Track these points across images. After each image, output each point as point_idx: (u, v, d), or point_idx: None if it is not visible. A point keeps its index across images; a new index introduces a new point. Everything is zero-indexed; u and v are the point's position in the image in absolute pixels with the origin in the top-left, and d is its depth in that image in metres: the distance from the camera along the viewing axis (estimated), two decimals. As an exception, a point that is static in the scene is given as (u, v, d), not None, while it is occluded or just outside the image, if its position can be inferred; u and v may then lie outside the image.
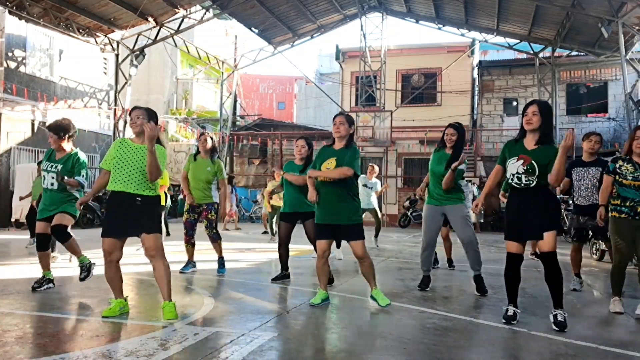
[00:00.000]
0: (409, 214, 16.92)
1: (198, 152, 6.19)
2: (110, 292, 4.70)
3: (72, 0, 14.03)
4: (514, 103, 20.07)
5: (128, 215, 3.76)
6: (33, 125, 14.96)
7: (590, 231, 5.44)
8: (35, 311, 4.03)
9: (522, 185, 3.83)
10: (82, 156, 5.00)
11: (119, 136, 16.86)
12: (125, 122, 17.08)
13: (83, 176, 4.93)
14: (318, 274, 4.48)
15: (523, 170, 3.79)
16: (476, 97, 20.63)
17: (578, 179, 5.37)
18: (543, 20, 16.24)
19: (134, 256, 6.97)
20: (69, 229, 4.86)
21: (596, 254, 8.33)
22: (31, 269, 6.19)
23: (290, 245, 5.69)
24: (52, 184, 4.83)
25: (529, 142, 3.87)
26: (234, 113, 22.78)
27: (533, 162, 3.76)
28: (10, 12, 13.64)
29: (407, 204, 17.11)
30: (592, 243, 8.38)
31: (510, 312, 3.89)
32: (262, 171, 21.67)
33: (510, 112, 19.98)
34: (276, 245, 5.74)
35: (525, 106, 3.92)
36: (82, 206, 4.44)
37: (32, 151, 14.91)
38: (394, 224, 17.92)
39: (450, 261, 7.06)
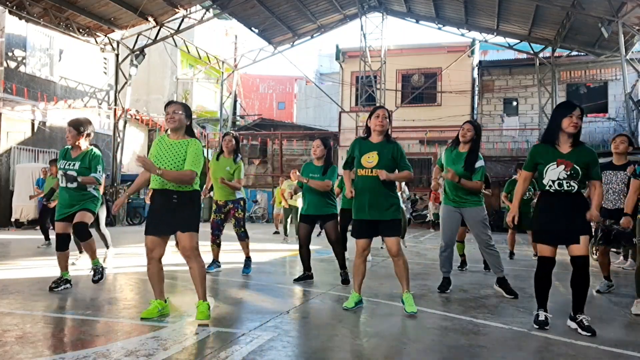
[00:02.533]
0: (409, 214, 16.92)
1: (222, 151, 6.15)
2: (112, 292, 4.71)
3: (72, 0, 14.04)
4: (514, 103, 20.07)
5: (166, 213, 3.74)
6: (33, 125, 14.96)
7: (615, 235, 5.22)
8: (35, 311, 4.03)
9: (563, 190, 3.68)
10: (98, 152, 4.97)
11: (119, 136, 16.87)
12: (126, 122, 17.10)
13: (100, 172, 4.91)
14: (354, 274, 4.34)
15: (566, 175, 3.65)
16: (476, 97, 20.63)
17: (606, 182, 5.22)
18: (543, 20, 16.24)
19: (135, 256, 6.97)
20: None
21: (596, 254, 8.32)
22: (31, 269, 6.19)
23: (288, 246, 5.68)
24: (71, 182, 4.79)
25: (564, 146, 3.72)
26: (234, 113, 22.80)
27: (575, 166, 3.63)
28: (10, 12, 13.65)
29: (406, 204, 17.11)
30: (591, 243, 8.36)
31: (542, 317, 3.77)
32: (262, 171, 21.67)
33: (510, 112, 19.99)
34: (279, 246, 5.73)
35: (564, 108, 3.72)
36: (119, 207, 4.32)
37: (32, 151, 14.91)
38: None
39: (465, 263, 7.01)
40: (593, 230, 5.33)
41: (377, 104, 18.99)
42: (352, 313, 4.26)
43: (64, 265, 4.85)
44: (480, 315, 4.17)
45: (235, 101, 22.67)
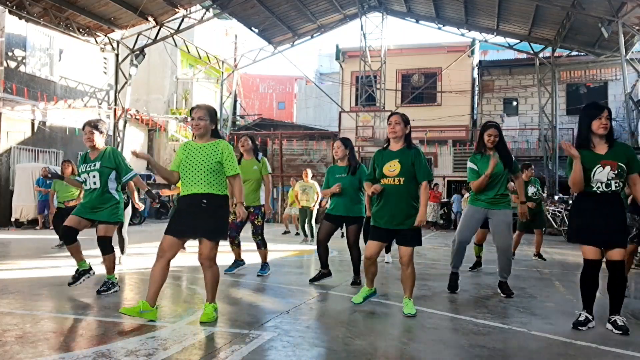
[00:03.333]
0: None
1: (242, 155, 6.08)
2: (114, 292, 4.70)
3: (72, 0, 14.04)
4: (514, 103, 20.08)
5: (192, 217, 3.70)
6: (33, 125, 14.95)
7: None
8: (35, 311, 4.03)
9: (611, 191, 3.70)
10: (116, 150, 4.93)
11: (119, 136, 16.87)
12: (126, 122, 17.10)
13: (131, 169, 4.90)
14: (365, 272, 4.38)
15: (614, 175, 3.67)
16: (476, 97, 20.64)
17: None
18: (543, 20, 16.24)
19: (136, 256, 6.96)
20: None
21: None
22: (31, 269, 6.19)
23: (288, 247, 5.68)
24: (94, 183, 4.69)
25: (600, 148, 3.74)
26: (234, 113, 22.79)
27: (620, 164, 3.67)
28: (10, 12, 13.64)
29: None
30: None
31: (582, 318, 3.77)
32: (262, 171, 21.65)
33: (510, 112, 20.00)
34: (278, 246, 5.73)
35: (591, 110, 3.74)
36: (158, 200, 4.22)
37: (32, 151, 14.91)
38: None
39: (479, 264, 6.97)
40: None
41: (377, 104, 19.01)
42: (351, 313, 4.26)
43: (78, 257, 4.74)
44: (480, 316, 4.17)
45: (235, 101, 22.66)
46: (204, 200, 3.69)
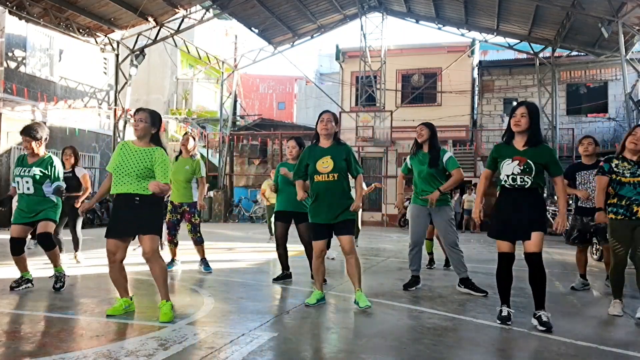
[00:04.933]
0: (409, 214, 16.90)
1: (180, 152, 6.26)
2: (112, 292, 4.71)
3: (72, 0, 14.04)
4: (514, 103, 20.04)
5: (127, 216, 3.80)
6: (33, 125, 14.94)
7: (593, 233, 5.39)
8: (35, 311, 4.03)
9: (517, 185, 3.83)
10: (55, 159, 4.93)
11: (119, 136, 16.88)
12: (126, 122, 17.10)
13: (61, 180, 4.96)
14: (314, 274, 4.48)
15: (519, 171, 3.79)
16: (476, 97, 20.63)
17: (583, 182, 5.36)
18: (543, 20, 16.24)
19: (132, 256, 6.96)
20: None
21: (596, 254, 8.32)
22: (31, 269, 6.18)
23: (289, 246, 5.68)
24: (28, 189, 4.77)
25: (519, 144, 3.88)
26: (234, 113, 22.78)
27: (529, 161, 3.77)
28: (10, 12, 13.64)
29: (407, 204, 17.10)
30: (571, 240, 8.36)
31: (505, 313, 3.89)
32: (262, 171, 21.68)
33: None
34: (274, 245, 5.73)
35: (514, 108, 3.91)
36: (85, 212, 4.41)
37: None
38: (393, 224, 17.91)
39: (448, 261, 6.96)
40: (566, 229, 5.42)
41: (377, 104, 19.01)
42: (350, 313, 4.26)
43: (22, 267, 4.86)
44: (480, 316, 4.18)
45: (235, 101, 22.64)
46: (137, 199, 3.78)
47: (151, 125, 3.88)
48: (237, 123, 24.02)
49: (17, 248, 4.79)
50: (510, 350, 3.31)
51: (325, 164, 4.28)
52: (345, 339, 3.45)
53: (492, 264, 7.17)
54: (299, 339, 3.44)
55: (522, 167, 3.79)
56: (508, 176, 3.84)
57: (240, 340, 3.26)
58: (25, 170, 4.76)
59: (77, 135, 15.46)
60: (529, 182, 3.80)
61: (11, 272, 5.95)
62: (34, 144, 4.74)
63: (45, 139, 4.86)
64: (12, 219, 4.98)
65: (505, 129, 4.07)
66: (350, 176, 4.45)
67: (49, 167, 4.81)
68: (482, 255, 8.89)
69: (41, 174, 4.76)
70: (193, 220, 6.12)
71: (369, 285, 5.23)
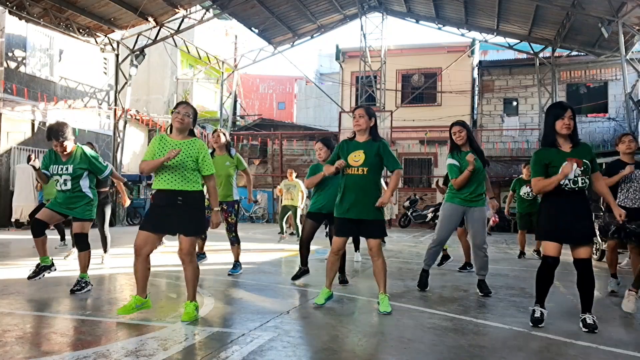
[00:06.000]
0: (409, 214, 16.92)
1: (214, 150, 6.09)
2: (115, 292, 4.70)
3: (72, 0, 14.04)
4: (514, 103, 20.07)
5: (169, 213, 3.73)
6: (33, 125, 14.95)
7: (630, 234, 5.03)
8: (35, 311, 4.03)
9: (577, 188, 3.75)
10: (85, 147, 4.91)
11: (119, 136, 16.87)
12: (126, 122, 17.10)
13: (106, 164, 5.00)
14: (327, 270, 4.40)
15: (580, 172, 3.73)
16: (476, 97, 20.64)
17: (628, 180, 5.08)
18: (543, 20, 16.25)
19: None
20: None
21: (596, 254, 8.32)
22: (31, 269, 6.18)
23: (286, 246, 5.68)
24: (65, 184, 4.71)
25: (565, 146, 3.82)
26: (234, 113, 22.79)
27: (585, 161, 3.74)
28: (10, 12, 13.63)
29: (407, 204, 17.11)
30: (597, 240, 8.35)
31: (538, 314, 3.84)
32: (262, 171, 21.67)
33: (510, 112, 19.99)
34: (279, 246, 5.73)
35: (559, 110, 3.79)
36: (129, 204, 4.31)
37: (32, 151, 14.90)
38: (394, 224, 17.91)
39: (469, 265, 6.78)
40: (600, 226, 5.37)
41: (377, 104, 19.00)
42: (351, 313, 4.26)
43: (42, 250, 4.74)
44: (480, 315, 4.17)
45: (235, 101, 22.65)
46: (180, 198, 3.73)
47: (193, 120, 3.91)
48: (237, 123, 24.03)
49: (38, 230, 4.69)
50: (511, 350, 3.31)
51: (356, 157, 4.21)
52: (346, 339, 3.45)
53: (499, 264, 7.20)
54: (299, 339, 3.43)
55: (582, 168, 3.74)
56: (569, 180, 3.74)
57: (240, 340, 3.26)
58: (61, 168, 4.71)
59: (77, 135, 15.42)
60: (588, 182, 3.77)
61: (11, 272, 5.95)
62: (66, 143, 4.69)
63: (70, 132, 4.77)
64: (45, 205, 4.99)
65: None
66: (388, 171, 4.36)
67: (83, 157, 4.75)
68: (490, 256, 8.88)
69: (80, 170, 4.72)
70: (230, 220, 6.02)
71: (370, 285, 5.23)
